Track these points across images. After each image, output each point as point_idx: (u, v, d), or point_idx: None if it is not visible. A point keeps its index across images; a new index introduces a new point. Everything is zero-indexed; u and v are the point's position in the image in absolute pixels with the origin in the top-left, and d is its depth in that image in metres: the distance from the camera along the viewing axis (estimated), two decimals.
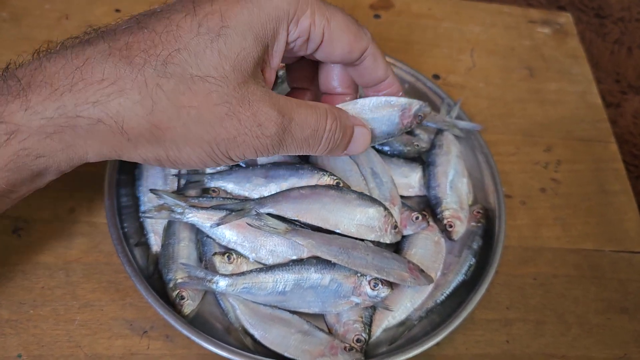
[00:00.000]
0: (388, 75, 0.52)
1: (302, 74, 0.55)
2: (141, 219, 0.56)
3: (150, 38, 0.40)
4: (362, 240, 0.54)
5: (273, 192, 0.55)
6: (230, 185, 0.57)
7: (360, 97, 0.54)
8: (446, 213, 0.60)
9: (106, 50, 0.40)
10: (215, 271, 0.52)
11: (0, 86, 0.39)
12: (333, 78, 0.53)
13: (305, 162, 0.59)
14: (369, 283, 0.51)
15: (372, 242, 0.54)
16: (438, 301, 0.56)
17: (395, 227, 0.55)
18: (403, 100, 0.53)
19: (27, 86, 0.39)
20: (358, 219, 0.54)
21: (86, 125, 0.40)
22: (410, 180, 0.63)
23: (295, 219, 0.53)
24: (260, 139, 0.43)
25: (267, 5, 0.43)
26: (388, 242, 0.55)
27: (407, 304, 0.55)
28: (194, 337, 0.49)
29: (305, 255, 0.53)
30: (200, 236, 0.56)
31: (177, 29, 0.40)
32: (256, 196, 0.56)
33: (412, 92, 0.70)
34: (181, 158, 0.43)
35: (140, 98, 0.39)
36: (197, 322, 0.52)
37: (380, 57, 0.51)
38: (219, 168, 0.58)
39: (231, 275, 0.52)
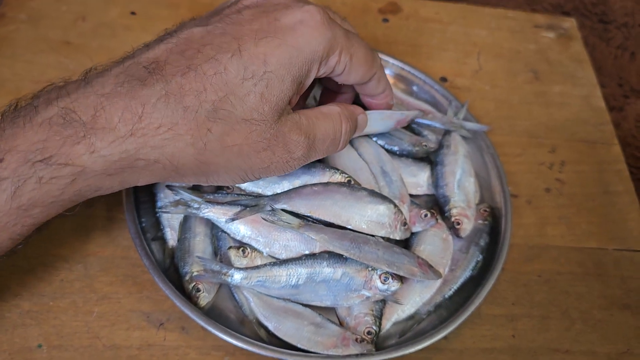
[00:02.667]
0: (385, 90, 0.56)
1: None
2: (158, 214, 0.58)
3: (201, 81, 0.42)
4: (373, 236, 0.55)
5: (286, 189, 0.56)
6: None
7: None
8: (454, 211, 0.61)
9: (162, 95, 0.42)
10: (230, 265, 0.54)
11: (62, 124, 0.41)
12: (334, 83, 0.56)
13: (317, 160, 0.60)
14: (380, 277, 0.52)
15: (383, 238, 0.56)
16: (446, 296, 0.57)
17: (405, 224, 0.56)
18: (401, 112, 0.62)
19: (90, 129, 0.41)
20: (369, 216, 0.55)
21: (144, 165, 0.43)
22: (418, 179, 0.64)
23: (308, 214, 0.54)
24: (289, 163, 0.48)
25: (305, 49, 0.45)
26: (398, 238, 0.56)
27: (416, 299, 0.56)
28: (210, 328, 0.50)
29: (317, 250, 0.54)
30: (215, 231, 0.57)
31: (224, 71, 0.43)
32: (270, 193, 0.57)
33: (420, 94, 0.72)
34: (218, 182, 0.48)
35: (193, 141, 0.43)
36: (212, 314, 0.53)
37: (383, 78, 0.55)
38: None
39: (246, 268, 0.53)
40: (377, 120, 0.59)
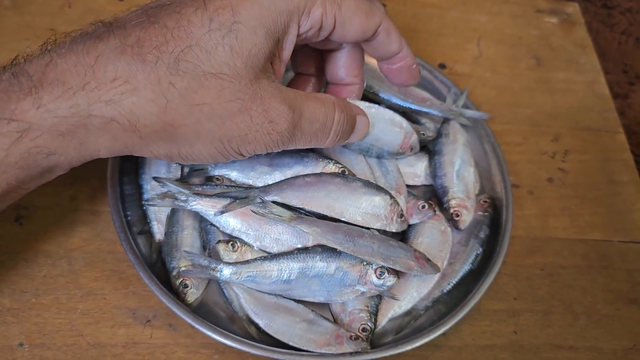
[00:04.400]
0: (402, 48, 0.51)
1: (306, 60, 0.55)
2: (144, 207, 0.56)
3: (162, 34, 0.40)
4: (368, 228, 0.53)
5: (277, 180, 0.55)
6: (234, 174, 0.56)
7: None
8: (453, 202, 0.59)
9: (118, 47, 0.39)
10: (219, 259, 0.52)
11: (10, 81, 0.39)
12: (340, 68, 0.53)
13: (310, 150, 0.59)
14: (375, 272, 0.51)
15: (378, 230, 0.54)
16: (445, 291, 0.56)
17: (402, 215, 0.55)
18: (410, 126, 0.59)
19: (38, 83, 0.39)
20: (364, 207, 0.53)
21: (99, 124, 0.40)
22: (416, 169, 0.62)
23: (300, 207, 0.53)
24: (272, 135, 0.43)
25: None
26: (394, 230, 0.55)
27: (413, 294, 0.55)
28: (197, 326, 0.48)
29: (310, 243, 0.52)
30: (203, 224, 0.55)
31: (188, 24, 0.40)
32: (260, 184, 0.55)
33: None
34: (192, 154, 0.44)
35: (154, 96, 0.39)
36: (200, 311, 0.51)
37: (393, 31, 0.50)
38: None
39: (235, 263, 0.51)
40: (387, 124, 0.57)
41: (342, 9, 0.46)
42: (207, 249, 0.54)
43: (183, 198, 0.53)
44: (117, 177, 0.55)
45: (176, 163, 0.57)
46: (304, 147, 0.48)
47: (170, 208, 0.55)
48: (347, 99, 0.53)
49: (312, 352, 0.49)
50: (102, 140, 0.41)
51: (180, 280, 0.51)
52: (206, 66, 0.40)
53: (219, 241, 0.53)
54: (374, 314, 0.53)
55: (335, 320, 0.53)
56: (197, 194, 0.53)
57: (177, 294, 0.51)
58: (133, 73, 0.39)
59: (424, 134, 0.63)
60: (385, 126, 0.57)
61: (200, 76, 0.40)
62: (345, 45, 0.52)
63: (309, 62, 0.55)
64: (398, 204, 0.55)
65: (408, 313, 0.54)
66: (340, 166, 0.56)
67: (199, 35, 0.40)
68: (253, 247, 0.53)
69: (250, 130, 0.42)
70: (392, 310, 0.54)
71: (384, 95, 0.63)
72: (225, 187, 0.54)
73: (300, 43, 0.49)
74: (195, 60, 0.40)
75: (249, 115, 0.42)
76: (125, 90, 0.39)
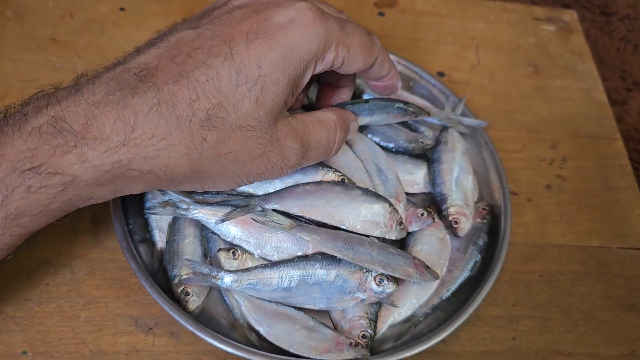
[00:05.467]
0: (390, 71, 0.55)
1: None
2: (146, 216, 0.56)
3: (194, 88, 0.41)
4: (368, 236, 0.53)
5: (278, 189, 0.55)
6: None
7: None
8: (451, 210, 0.59)
9: (155, 104, 0.41)
10: (220, 267, 0.52)
11: (52, 133, 0.40)
12: (335, 75, 0.55)
13: None
14: (375, 279, 0.51)
15: (378, 238, 0.54)
16: (444, 298, 0.56)
17: (401, 223, 0.55)
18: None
19: (82, 138, 0.40)
20: (363, 215, 0.54)
21: (136, 175, 0.42)
22: (415, 177, 0.63)
23: (300, 215, 0.53)
24: (283, 170, 0.47)
25: (299, 49, 0.44)
26: (393, 238, 0.55)
27: (412, 301, 0.55)
28: (199, 333, 0.49)
29: (310, 251, 0.53)
30: (205, 232, 0.55)
31: (217, 77, 0.42)
32: (261, 192, 0.55)
33: (417, 89, 0.70)
34: (212, 188, 0.47)
35: (188, 151, 0.42)
36: (202, 318, 0.51)
37: (386, 61, 0.53)
38: None
39: (236, 271, 0.52)
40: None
41: (351, 50, 0.48)
42: (208, 257, 0.54)
43: (184, 206, 0.53)
44: None
45: None
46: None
47: (171, 216, 0.56)
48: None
49: (312, 359, 0.50)
50: (136, 186, 0.44)
51: (181, 288, 0.52)
52: (233, 119, 0.42)
53: (220, 249, 0.53)
54: (374, 320, 0.53)
55: (335, 327, 0.53)
56: (198, 202, 0.53)
57: (178, 302, 0.51)
58: (170, 131, 0.41)
59: (422, 142, 0.64)
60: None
61: (228, 129, 0.43)
62: None
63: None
64: (397, 211, 0.55)
65: (407, 320, 0.55)
66: (340, 174, 0.56)
67: (227, 90, 0.42)
68: (254, 255, 0.54)
69: (267, 168, 0.46)
70: (391, 317, 0.54)
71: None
72: (226, 195, 0.55)
73: None
74: (225, 115, 0.42)
75: (267, 157, 0.45)
76: (162, 147, 0.41)
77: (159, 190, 0.54)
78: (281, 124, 0.45)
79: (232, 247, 0.54)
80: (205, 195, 0.55)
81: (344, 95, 0.58)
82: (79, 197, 0.42)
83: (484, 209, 0.61)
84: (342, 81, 0.57)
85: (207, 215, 0.53)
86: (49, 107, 0.41)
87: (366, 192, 0.55)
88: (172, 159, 0.42)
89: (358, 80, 0.62)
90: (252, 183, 0.48)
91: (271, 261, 0.53)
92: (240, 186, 0.48)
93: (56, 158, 0.40)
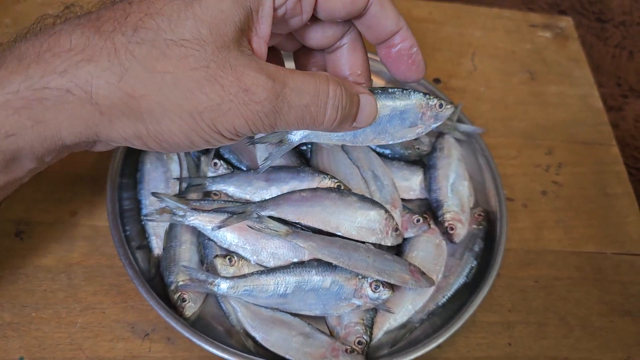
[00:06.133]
0: (400, 27, 0.46)
1: (307, 62, 0.51)
2: (143, 222, 0.56)
3: (122, 8, 0.38)
4: (363, 242, 0.54)
5: (274, 195, 0.55)
6: (231, 189, 0.57)
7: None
8: (447, 216, 0.60)
9: (76, 23, 0.38)
10: (216, 274, 0.52)
11: None
12: (342, 66, 0.48)
13: (306, 165, 0.59)
14: (370, 285, 0.51)
15: (373, 244, 0.54)
16: (439, 304, 0.56)
17: (397, 229, 0.55)
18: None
19: None
20: (359, 222, 0.54)
21: (54, 97, 0.37)
22: (411, 183, 0.63)
23: (296, 221, 0.53)
24: (250, 106, 0.39)
25: None
26: (389, 244, 0.55)
27: (408, 307, 0.55)
28: (195, 340, 0.49)
29: (306, 257, 0.53)
30: (201, 239, 0.56)
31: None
32: (257, 199, 0.56)
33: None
34: (163, 133, 0.40)
35: (110, 65, 0.37)
36: (198, 324, 0.52)
37: (388, 4, 0.45)
38: (219, 171, 0.58)
39: (232, 277, 0.52)
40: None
41: None
42: (205, 263, 0.54)
43: (181, 213, 0.53)
44: (116, 193, 0.55)
45: (174, 178, 0.58)
46: (300, 128, 0.43)
47: (168, 223, 0.56)
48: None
49: None
50: (60, 119, 0.38)
51: (178, 295, 0.52)
52: (167, 34, 0.37)
53: (217, 256, 0.54)
54: (370, 327, 0.53)
55: (331, 334, 0.53)
56: (195, 209, 0.54)
57: (175, 308, 0.52)
58: (88, 43, 0.37)
59: (418, 148, 0.64)
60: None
61: (161, 44, 0.37)
62: (344, 41, 0.48)
63: (310, 63, 0.51)
64: (393, 218, 0.55)
65: (403, 326, 0.55)
66: (336, 181, 0.56)
67: (160, 5, 0.38)
68: (250, 261, 0.54)
69: (223, 100, 0.38)
70: (387, 323, 0.54)
71: None
72: (222, 202, 0.55)
73: (290, 28, 0.46)
74: (156, 29, 0.37)
75: (219, 84, 0.38)
76: (79, 60, 0.37)
77: (155, 195, 0.54)
78: (238, 53, 0.39)
79: (229, 254, 0.54)
80: (202, 202, 0.55)
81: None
82: None
83: (479, 215, 0.61)
84: (353, 72, 0.48)
85: (203, 222, 0.53)
86: None
87: (362, 198, 0.55)
88: (92, 75, 0.37)
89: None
90: (217, 131, 0.40)
91: (267, 267, 0.53)
92: (201, 135, 0.40)
93: None
